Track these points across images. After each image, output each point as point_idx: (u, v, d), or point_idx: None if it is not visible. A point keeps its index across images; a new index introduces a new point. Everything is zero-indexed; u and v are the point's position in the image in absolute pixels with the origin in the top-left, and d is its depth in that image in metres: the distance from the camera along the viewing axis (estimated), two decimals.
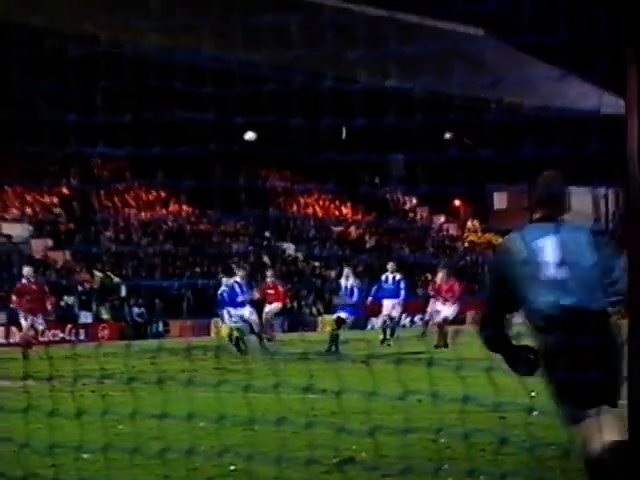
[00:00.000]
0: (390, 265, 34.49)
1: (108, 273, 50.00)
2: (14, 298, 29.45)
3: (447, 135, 68.68)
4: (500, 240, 9.23)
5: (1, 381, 9.96)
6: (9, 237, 50.31)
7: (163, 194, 61.03)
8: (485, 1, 8.44)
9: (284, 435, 9.97)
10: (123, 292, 49.54)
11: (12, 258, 46.91)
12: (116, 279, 49.91)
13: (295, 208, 66.44)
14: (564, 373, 7.91)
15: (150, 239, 55.44)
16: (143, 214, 58.09)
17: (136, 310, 48.82)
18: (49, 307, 29.55)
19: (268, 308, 34.83)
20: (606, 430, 7.80)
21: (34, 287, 28.98)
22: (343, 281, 32.45)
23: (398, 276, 33.95)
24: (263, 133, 59.14)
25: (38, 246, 50.60)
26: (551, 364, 8.08)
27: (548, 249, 8.41)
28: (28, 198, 54.77)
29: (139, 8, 37.69)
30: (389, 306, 33.43)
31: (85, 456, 9.69)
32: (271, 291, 35.06)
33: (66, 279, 47.03)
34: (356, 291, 31.88)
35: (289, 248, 60.07)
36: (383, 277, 34.33)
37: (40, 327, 28.71)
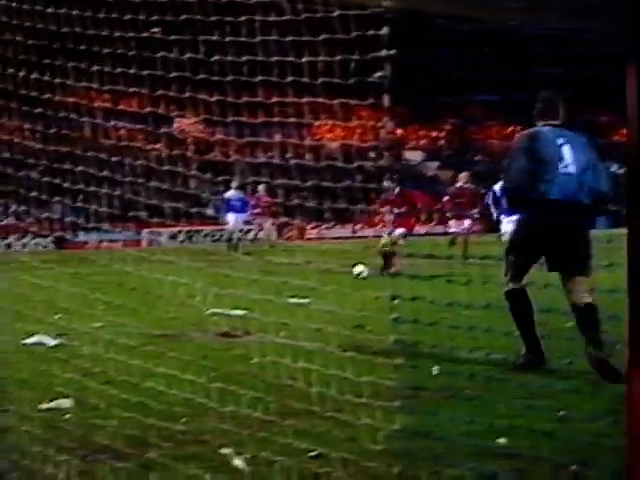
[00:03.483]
0: None
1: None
2: (447, 199, 27.28)
3: None
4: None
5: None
6: (409, 160, 51.86)
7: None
8: None
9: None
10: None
11: (408, 176, 48.20)
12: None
13: None
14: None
15: None
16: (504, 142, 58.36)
17: None
18: (474, 210, 27.49)
19: None
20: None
21: (466, 192, 26.43)
22: None
23: None
24: None
25: (429, 167, 51.76)
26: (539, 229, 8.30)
27: (564, 148, 8.42)
28: (423, 132, 56.18)
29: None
30: None
31: None
32: None
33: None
34: None
35: None
36: None
37: (468, 227, 26.08)
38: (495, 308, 4.17)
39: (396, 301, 3.64)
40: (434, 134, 57.32)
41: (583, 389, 7.52)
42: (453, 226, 26.86)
